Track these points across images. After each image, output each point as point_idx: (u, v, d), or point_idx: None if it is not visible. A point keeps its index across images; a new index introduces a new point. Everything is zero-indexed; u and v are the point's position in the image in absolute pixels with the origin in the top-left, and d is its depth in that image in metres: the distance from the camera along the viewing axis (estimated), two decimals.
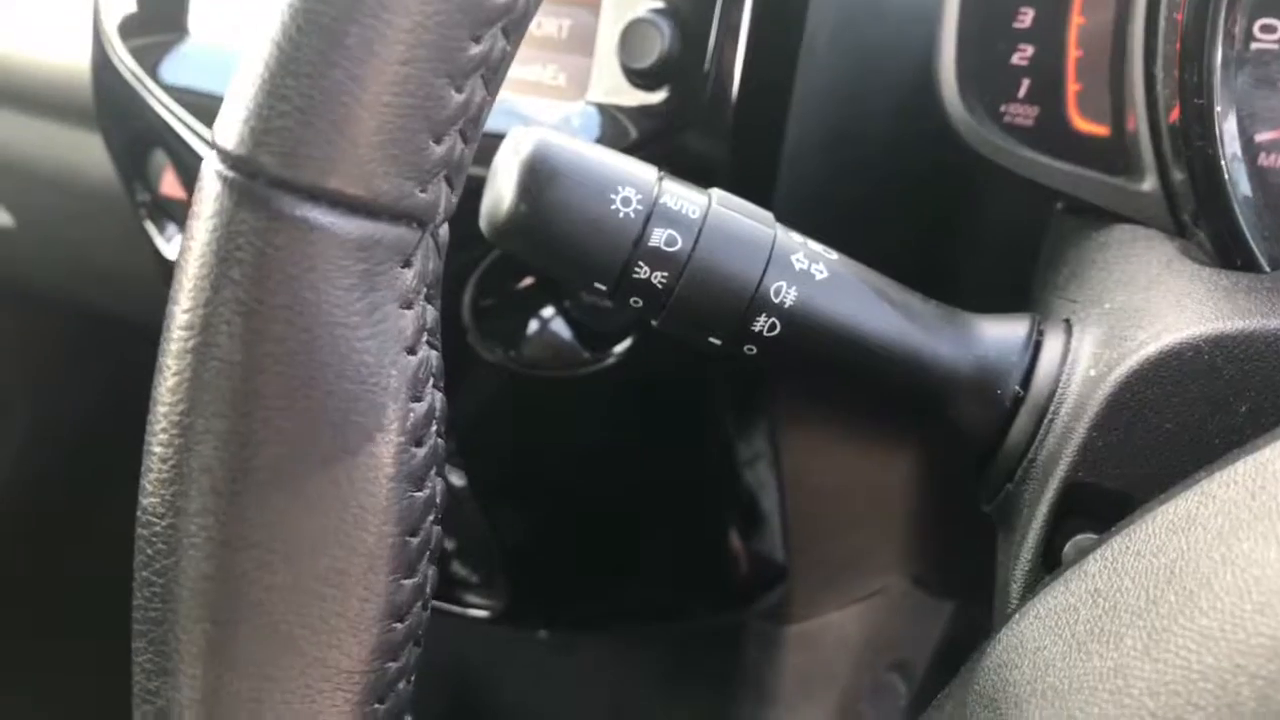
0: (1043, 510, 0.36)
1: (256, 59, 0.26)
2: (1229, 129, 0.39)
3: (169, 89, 0.63)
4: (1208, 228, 0.40)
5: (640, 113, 0.52)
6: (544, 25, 0.55)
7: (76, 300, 0.95)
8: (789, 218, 0.57)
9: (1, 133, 0.85)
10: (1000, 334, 0.39)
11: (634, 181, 0.37)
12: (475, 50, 0.26)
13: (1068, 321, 0.40)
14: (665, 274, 0.36)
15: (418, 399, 0.27)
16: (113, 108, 0.67)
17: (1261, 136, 0.40)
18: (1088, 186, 0.44)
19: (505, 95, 0.54)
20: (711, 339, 0.38)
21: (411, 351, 0.27)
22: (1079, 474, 0.36)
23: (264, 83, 0.25)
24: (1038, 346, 0.39)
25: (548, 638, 0.85)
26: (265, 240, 0.25)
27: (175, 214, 0.67)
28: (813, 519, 0.67)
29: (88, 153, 0.78)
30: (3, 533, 1.07)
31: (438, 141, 0.26)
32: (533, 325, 0.58)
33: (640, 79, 0.51)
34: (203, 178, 0.27)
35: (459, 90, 0.26)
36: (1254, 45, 0.40)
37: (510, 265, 0.56)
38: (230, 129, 0.26)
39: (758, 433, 0.63)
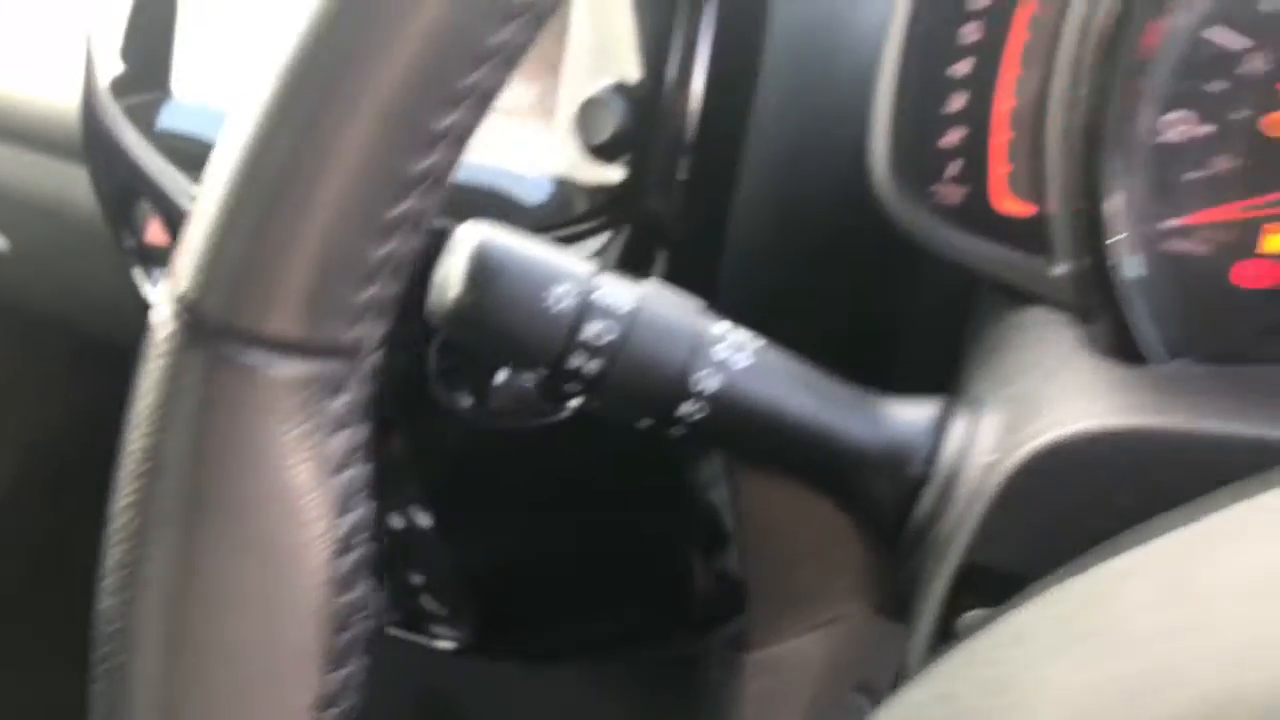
0: (939, 588, 0.39)
1: (205, 211, 0.29)
2: (1123, 217, 0.40)
3: (155, 138, 0.66)
4: (1103, 317, 0.41)
5: (598, 186, 0.55)
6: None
7: (69, 325, 0.98)
8: (738, 276, 0.60)
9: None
10: (910, 416, 0.42)
11: (570, 277, 0.40)
12: (398, 210, 0.29)
13: (975, 404, 0.42)
14: (598, 363, 0.39)
15: (346, 512, 0.31)
16: (100, 157, 0.70)
17: (1162, 225, 0.41)
18: (1009, 268, 0.45)
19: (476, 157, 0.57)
20: (644, 421, 0.41)
21: (339, 471, 0.30)
22: (976, 555, 0.38)
23: (209, 236, 0.29)
24: (945, 428, 0.42)
25: (515, 668, 0.88)
26: (209, 380, 0.29)
27: (161, 260, 0.70)
28: (766, 552, 0.69)
29: (80, 188, 0.81)
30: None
31: (367, 287, 0.30)
32: (499, 377, 0.61)
33: (597, 154, 0.54)
34: (157, 314, 0.30)
35: (384, 245, 0.29)
36: (1158, 138, 0.40)
37: None
38: (182, 273, 0.29)
39: (714, 470, 0.66)
